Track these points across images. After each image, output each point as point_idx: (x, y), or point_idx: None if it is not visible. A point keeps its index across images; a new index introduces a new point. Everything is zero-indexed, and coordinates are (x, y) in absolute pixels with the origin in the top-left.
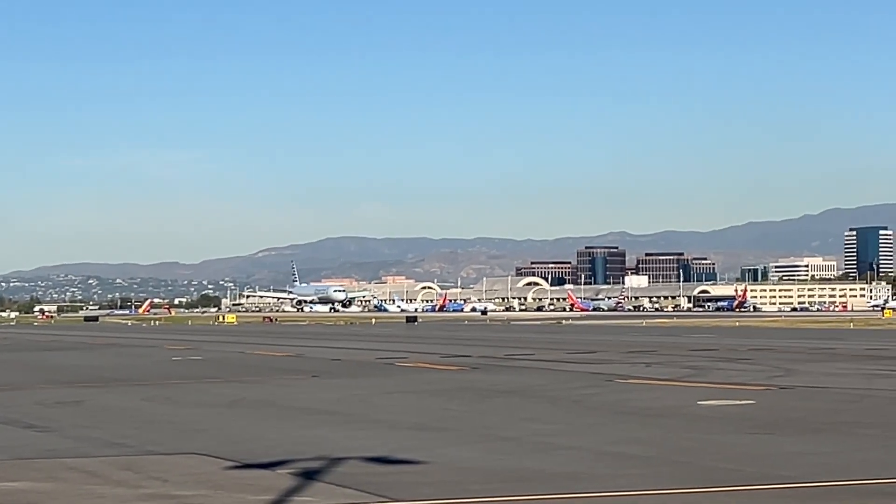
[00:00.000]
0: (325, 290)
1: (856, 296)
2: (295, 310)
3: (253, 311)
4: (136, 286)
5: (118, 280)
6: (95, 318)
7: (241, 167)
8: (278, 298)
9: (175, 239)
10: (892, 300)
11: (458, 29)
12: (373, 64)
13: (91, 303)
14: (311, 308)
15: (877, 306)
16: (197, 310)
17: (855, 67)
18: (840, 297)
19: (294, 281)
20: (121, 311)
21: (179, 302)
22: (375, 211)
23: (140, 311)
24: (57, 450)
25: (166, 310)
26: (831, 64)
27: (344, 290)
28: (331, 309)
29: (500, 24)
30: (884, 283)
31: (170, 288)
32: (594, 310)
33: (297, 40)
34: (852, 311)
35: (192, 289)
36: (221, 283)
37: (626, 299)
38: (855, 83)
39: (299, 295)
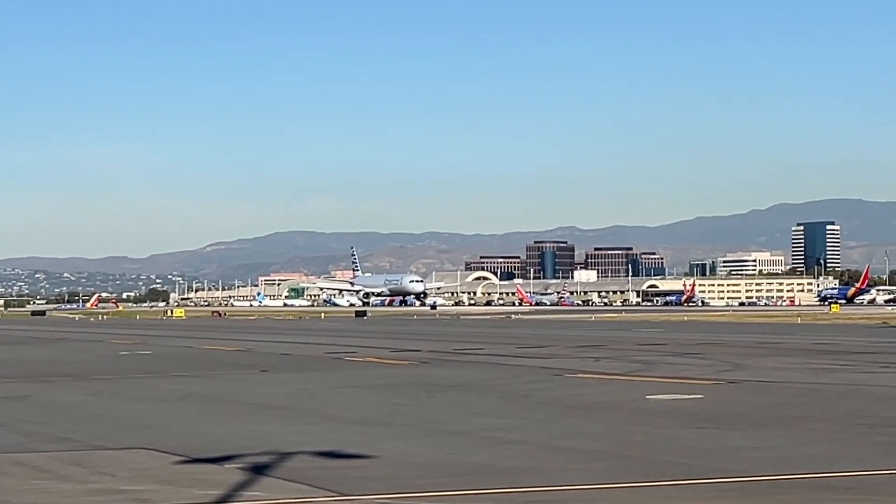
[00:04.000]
0: (399, 280)
1: (803, 290)
2: (360, 303)
3: (202, 306)
4: (83, 280)
5: (66, 274)
6: (43, 313)
7: (189, 161)
8: (340, 291)
9: (123, 233)
10: (828, 290)
11: (403, 22)
12: (320, 57)
13: (38, 297)
14: (380, 302)
15: (825, 299)
16: (145, 304)
17: (801, 63)
18: (787, 291)
19: (355, 271)
20: (68, 306)
21: (127, 296)
22: (324, 205)
23: (88, 305)
24: (3, 445)
25: (114, 304)
26: (778, 60)
27: (422, 282)
28: (401, 303)
29: (450, 18)
30: (831, 278)
31: (118, 282)
32: (537, 304)
33: (243, 33)
34: (800, 305)
35: (141, 283)
36: (170, 277)
37: (569, 293)
38: (802, 79)
39: (365, 286)
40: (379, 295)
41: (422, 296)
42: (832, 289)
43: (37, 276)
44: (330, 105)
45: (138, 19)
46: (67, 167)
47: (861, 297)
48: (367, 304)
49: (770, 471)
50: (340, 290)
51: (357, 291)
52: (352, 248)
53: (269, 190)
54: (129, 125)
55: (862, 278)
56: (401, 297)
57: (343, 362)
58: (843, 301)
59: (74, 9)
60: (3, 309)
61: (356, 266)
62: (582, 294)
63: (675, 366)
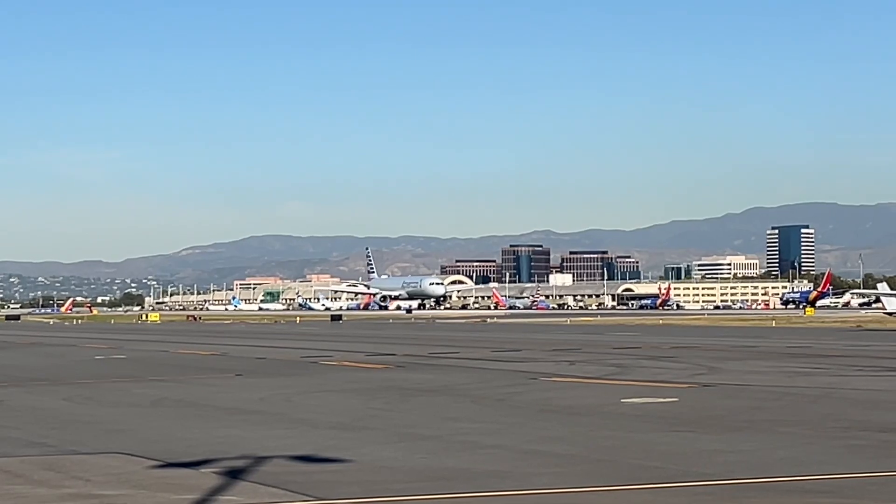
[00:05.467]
0: (417, 283)
1: (778, 294)
2: (377, 307)
3: (177, 310)
4: (58, 285)
5: (40, 278)
6: (17, 317)
7: (165, 165)
8: (356, 293)
9: (98, 237)
10: (791, 294)
11: (379, 29)
12: (295, 62)
13: (12, 301)
14: (399, 306)
15: (788, 302)
16: (120, 308)
17: (776, 68)
18: (762, 295)
19: (371, 273)
20: (43, 310)
21: (102, 301)
22: (299, 209)
23: (62, 309)
24: None
25: (89, 308)
26: (753, 65)
27: (442, 284)
28: (420, 306)
29: (424, 23)
30: (805, 282)
31: (92, 286)
32: (510, 308)
33: (219, 39)
34: (774, 309)
35: (115, 287)
36: (145, 281)
37: (543, 297)
38: (776, 84)
39: (382, 289)
40: (397, 298)
41: (441, 299)
42: (794, 293)
43: (11, 280)
44: (306, 110)
45: (114, 24)
46: (42, 172)
47: (822, 300)
48: (385, 307)
49: (744, 474)
50: (357, 293)
51: (374, 294)
52: (367, 248)
53: (244, 194)
54: (104, 130)
55: (823, 282)
56: (419, 301)
57: (318, 366)
58: (805, 304)
59: (50, 15)
60: None
61: (371, 268)
62: (557, 297)
63: (650, 369)
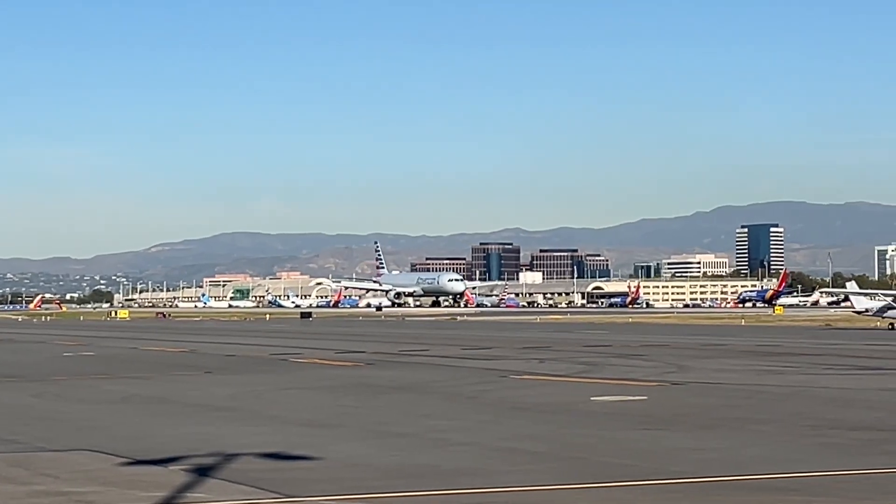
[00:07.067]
0: (434, 279)
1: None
2: (389, 304)
3: (146, 307)
4: (26, 281)
5: (8, 275)
6: None
7: (135, 162)
8: (367, 290)
9: (67, 233)
10: (748, 292)
11: (349, 27)
12: (265, 59)
13: None
14: (414, 303)
15: (745, 301)
16: (89, 305)
17: (746, 68)
18: (731, 293)
19: (380, 268)
20: (11, 307)
21: (71, 297)
22: (269, 206)
23: (31, 306)
24: None
25: (58, 305)
26: (724, 65)
27: (461, 281)
28: (433, 303)
29: (395, 22)
30: (774, 280)
31: (61, 283)
32: (478, 305)
33: (189, 33)
34: (743, 307)
35: (85, 284)
36: (114, 278)
37: (511, 295)
38: (746, 83)
39: (395, 286)
40: (411, 295)
41: (459, 297)
42: (751, 290)
43: None
44: (276, 107)
45: (84, 21)
46: (10, 167)
47: (781, 298)
48: (399, 304)
49: (714, 472)
50: (368, 290)
51: (386, 292)
52: (375, 243)
53: (214, 191)
54: (74, 126)
55: (780, 281)
56: (434, 298)
57: (288, 364)
58: (762, 303)
59: (21, 11)
60: None
61: (381, 263)
62: (527, 295)
63: (620, 367)
